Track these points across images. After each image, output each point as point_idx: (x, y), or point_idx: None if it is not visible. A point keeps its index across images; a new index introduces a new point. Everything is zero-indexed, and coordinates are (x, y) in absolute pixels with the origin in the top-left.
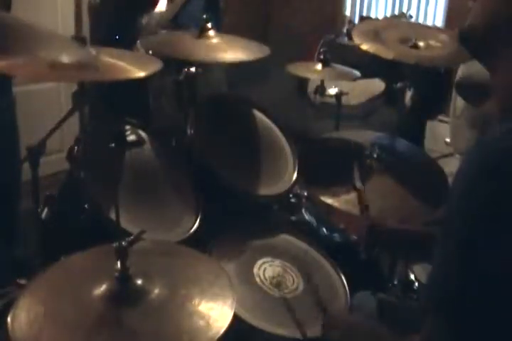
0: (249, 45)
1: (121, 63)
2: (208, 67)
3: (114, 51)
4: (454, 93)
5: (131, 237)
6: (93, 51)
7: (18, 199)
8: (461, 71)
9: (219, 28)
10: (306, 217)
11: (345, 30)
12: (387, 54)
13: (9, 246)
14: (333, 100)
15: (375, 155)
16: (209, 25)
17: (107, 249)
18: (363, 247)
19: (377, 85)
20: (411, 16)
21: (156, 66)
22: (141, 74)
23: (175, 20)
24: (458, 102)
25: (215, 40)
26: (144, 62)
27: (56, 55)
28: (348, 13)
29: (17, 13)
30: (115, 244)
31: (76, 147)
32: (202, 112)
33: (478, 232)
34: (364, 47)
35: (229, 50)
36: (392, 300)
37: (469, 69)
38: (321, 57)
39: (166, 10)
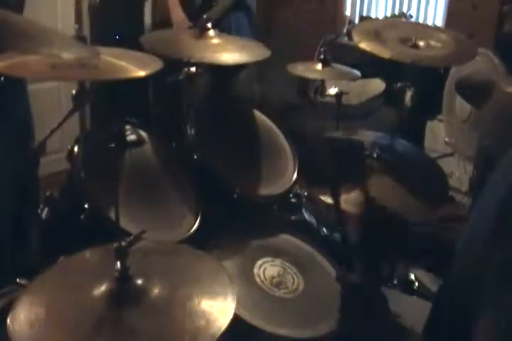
0: (249, 46)
1: (121, 63)
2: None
3: (114, 51)
4: (448, 92)
5: (131, 237)
6: (93, 50)
7: (31, 199)
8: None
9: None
10: (306, 217)
11: (345, 30)
12: (385, 53)
13: (13, 245)
14: (333, 100)
15: (375, 155)
16: (209, 25)
17: (107, 248)
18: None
19: (377, 85)
20: (411, 16)
21: (156, 66)
22: (141, 73)
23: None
24: (458, 102)
25: (215, 41)
26: (144, 62)
27: (57, 53)
28: (348, 13)
29: None
30: (115, 244)
31: (76, 147)
32: (202, 112)
33: None
34: (362, 45)
35: (227, 52)
36: None
37: (462, 70)
38: (321, 57)
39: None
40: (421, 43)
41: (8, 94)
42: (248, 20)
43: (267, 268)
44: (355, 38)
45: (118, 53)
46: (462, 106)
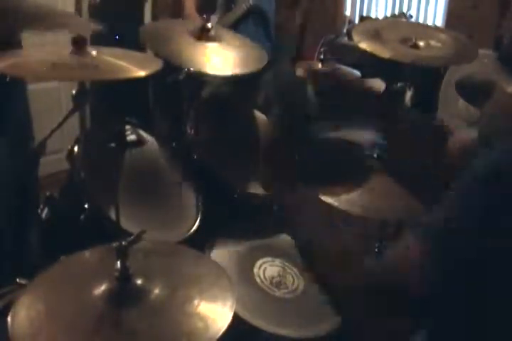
0: (248, 53)
1: (121, 63)
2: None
3: (114, 51)
4: (444, 93)
5: (131, 237)
6: (93, 51)
7: (31, 199)
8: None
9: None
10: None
11: (345, 30)
12: (384, 53)
13: (13, 245)
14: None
15: (375, 155)
16: (209, 25)
17: (107, 249)
18: None
19: (377, 85)
20: (411, 16)
21: (156, 66)
22: (141, 73)
23: None
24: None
25: (214, 44)
26: (144, 62)
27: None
28: (348, 13)
29: None
30: (115, 244)
31: (76, 147)
32: (202, 112)
33: None
34: (362, 45)
35: (225, 60)
36: None
37: (459, 71)
38: (321, 57)
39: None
40: (421, 43)
41: (8, 94)
42: (265, 31)
43: (267, 268)
44: (355, 38)
45: (118, 53)
46: (468, 108)
